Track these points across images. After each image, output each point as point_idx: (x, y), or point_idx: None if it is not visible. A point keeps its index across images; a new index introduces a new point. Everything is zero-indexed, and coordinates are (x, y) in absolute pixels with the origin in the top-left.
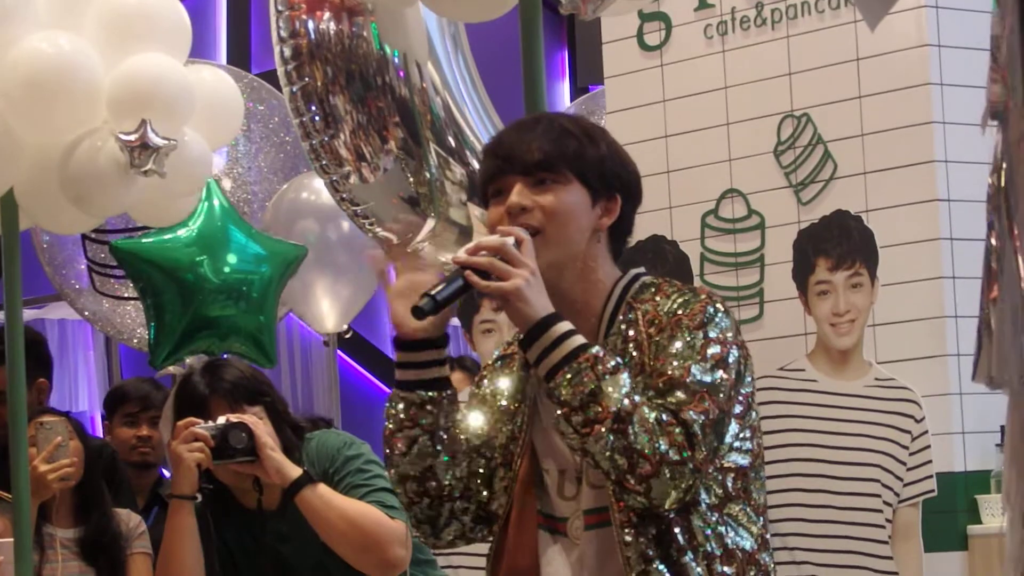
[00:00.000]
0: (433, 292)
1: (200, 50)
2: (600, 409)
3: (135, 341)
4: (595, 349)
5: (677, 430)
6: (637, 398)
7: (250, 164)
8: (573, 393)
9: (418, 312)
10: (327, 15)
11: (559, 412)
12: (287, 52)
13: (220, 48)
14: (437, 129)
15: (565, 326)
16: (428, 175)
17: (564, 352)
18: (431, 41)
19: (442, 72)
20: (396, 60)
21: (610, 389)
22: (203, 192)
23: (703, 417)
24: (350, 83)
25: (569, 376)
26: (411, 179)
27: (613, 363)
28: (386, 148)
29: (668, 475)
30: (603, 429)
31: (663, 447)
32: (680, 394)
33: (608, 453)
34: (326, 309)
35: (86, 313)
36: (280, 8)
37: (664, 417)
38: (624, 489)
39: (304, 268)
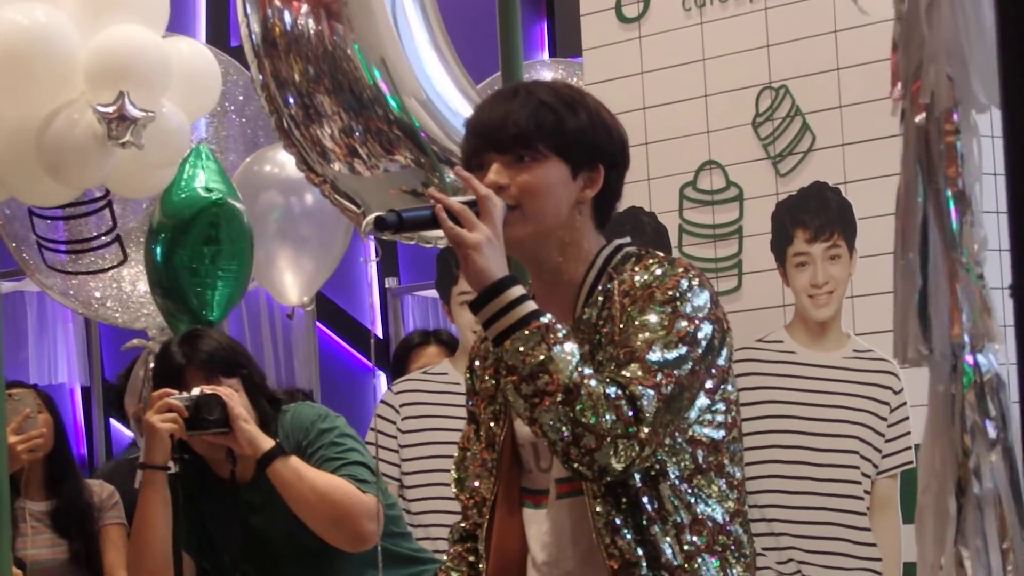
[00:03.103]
0: (400, 210)
1: (178, 22)
2: (549, 380)
3: (98, 313)
4: (546, 318)
5: (624, 404)
6: (586, 370)
7: (224, 135)
8: (522, 362)
9: (380, 222)
10: (304, 8)
11: (508, 379)
12: (256, 29)
13: (199, 21)
14: (441, 146)
15: (518, 291)
16: (439, 175)
17: (515, 318)
18: (409, 34)
19: (423, 70)
20: (384, 86)
21: (560, 360)
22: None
23: (652, 392)
24: (338, 91)
25: (519, 344)
26: (420, 180)
27: (563, 332)
28: (392, 158)
29: (612, 449)
30: (552, 401)
31: (609, 421)
32: (635, 368)
33: (555, 424)
34: (289, 281)
35: (49, 289)
36: None
37: (612, 391)
38: (568, 459)
39: (268, 240)
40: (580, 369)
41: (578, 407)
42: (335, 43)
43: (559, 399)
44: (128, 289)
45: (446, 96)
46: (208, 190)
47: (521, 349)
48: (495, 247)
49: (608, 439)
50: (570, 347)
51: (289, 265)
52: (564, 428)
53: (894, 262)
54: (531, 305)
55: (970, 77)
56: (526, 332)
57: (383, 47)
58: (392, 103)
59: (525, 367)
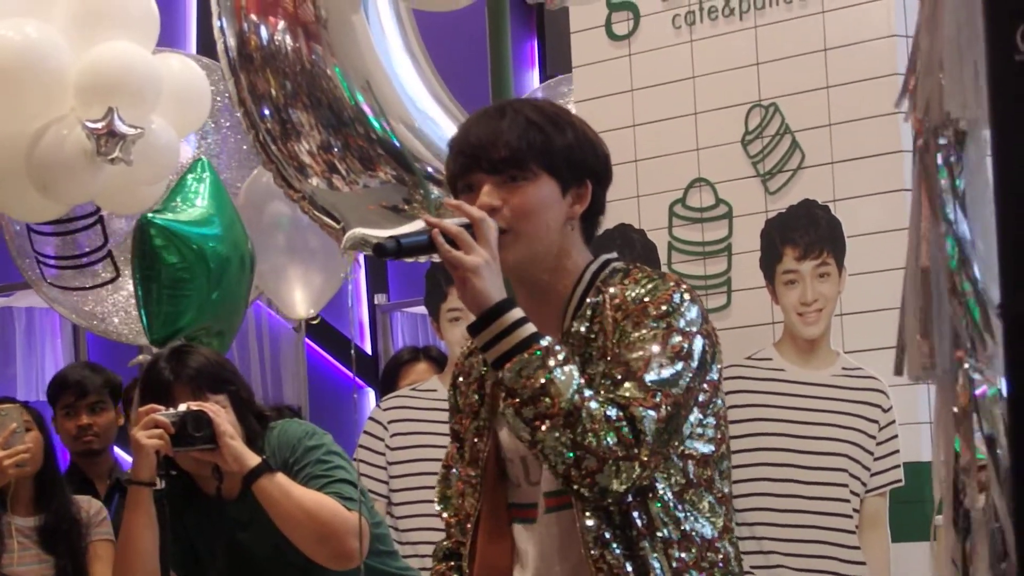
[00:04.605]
0: (398, 235)
1: (170, 32)
2: (550, 403)
3: (103, 329)
4: (546, 340)
5: (625, 426)
6: (587, 392)
7: (218, 152)
8: (523, 385)
9: (379, 250)
10: (281, 24)
11: (508, 402)
12: (232, 43)
13: (190, 31)
14: (423, 162)
15: (517, 313)
16: (424, 193)
17: (515, 340)
18: (388, 53)
19: (404, 90)
20: (367, 108)
21: (560, 383)
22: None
23: (653, 413)
24: (316, 107)
25: (519, 367)
26: (402, 196)
27: (563, 355)
28: (370, 174)
29: (613, 470)
30: (552, 424)
31: (610, 443)
32: (633, 389)
33: (556, 447)
34: (298, 295)
35: (54, 303)
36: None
37: (612, 413)
38: (569, 481)
39: (276, 252)
40: (581, 391)
41: (579, 430)
42: (313, 61)
43: (560, 422)
44: (133, 304)
45: (432, 117)
46: (158, 210)
47: (522, 372)
48: (493, 269)
49: (609, 461)
50: (570, 369)
51: (298, 278)
52: (566, 451)
53: (904, 277)
54: (530, 328)
55: (965, 90)
56: (526, 355)
57: (367, 70)
58: (375, 123)
59: (526, 390)
